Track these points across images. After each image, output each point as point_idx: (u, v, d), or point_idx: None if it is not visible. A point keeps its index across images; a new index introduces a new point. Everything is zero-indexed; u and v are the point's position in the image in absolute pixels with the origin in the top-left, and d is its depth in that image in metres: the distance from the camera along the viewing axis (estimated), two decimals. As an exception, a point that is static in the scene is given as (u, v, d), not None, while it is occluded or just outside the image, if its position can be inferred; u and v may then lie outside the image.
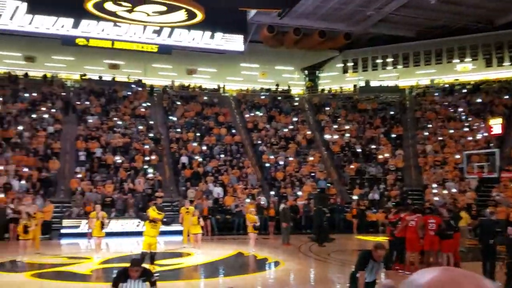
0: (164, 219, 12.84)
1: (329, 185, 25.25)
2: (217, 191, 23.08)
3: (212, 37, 27.99)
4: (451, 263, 11.77)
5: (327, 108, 32.71)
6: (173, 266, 13.24)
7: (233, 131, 29.12)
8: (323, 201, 20.05)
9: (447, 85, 33.53)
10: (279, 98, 34.34)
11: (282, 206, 19.42)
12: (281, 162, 26.51)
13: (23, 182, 21.01)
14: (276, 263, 13.82)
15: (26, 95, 28.03)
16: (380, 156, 27.87)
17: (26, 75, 30.83)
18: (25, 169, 21.90)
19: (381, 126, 30.66)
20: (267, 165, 26.40)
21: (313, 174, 25.98)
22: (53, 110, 27.26)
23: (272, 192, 23.95)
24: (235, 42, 28.67)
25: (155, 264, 11.91)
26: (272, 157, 26.77)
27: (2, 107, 26.33)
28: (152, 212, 12.23)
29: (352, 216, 22.64)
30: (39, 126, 25.52)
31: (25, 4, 24.65)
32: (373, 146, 28.92)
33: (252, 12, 27.50)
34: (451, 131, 28.39)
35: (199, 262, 14.06)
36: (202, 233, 15.87)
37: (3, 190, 19.91)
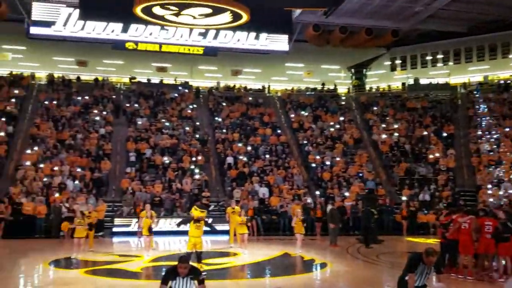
0: (207, 218, 12.98)
1: (377, 185, 24.69)
2: (263, 191, 23.09)
3: (257, 37, 28.07)
4: (508, 267, 11.22)
5: (375, 107, 32.07)
6: (220, 266, 13.32)
7: (278, 131, 29.08)
8: (372, 202, 19.65)
9: (502, 81, 32.11)
10: (325, 97, 33.96)
11: (329, 207, 19.15)
12: (328, 162, 26.20)
13: (76, 182, 21.84)
14: (323, 265, 13.64)
15: (79, 98, 29.15)
16: (431, 156, 27.02)
17: (78, 79, 32.10)
18: (79, 170, 22.78)
19: (431, 125, 29.74)
20: (313, 165, 26.16)
21: (360, 174, 25.51)
22: (104, 113, 28.22)
23: (318, 193, 23.69)
24: (280, 42, 28.63)
25: (203, 263, 12.03)
26: (318, 157, 26.51)
27: (57, 110, 27.51)
28: (195, 211, 12.36)
29: (401, 217, 22.02)
30: (92, 128, 26.48)
31: (77, 11, 25.62)
32: (423, 146, 28.07)
33: (297, 11, 27.34)
34: (507, 129, 27.12)
35: (246, 262, 14.09)
36: (248, 233, 15.91)
37: (58, 190, 20.77)
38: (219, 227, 19.56)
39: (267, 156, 26.38)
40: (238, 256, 14.85)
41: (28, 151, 23.78)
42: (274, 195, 22.90)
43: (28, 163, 22.68)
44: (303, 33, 29.58)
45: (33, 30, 26.12)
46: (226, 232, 18.98)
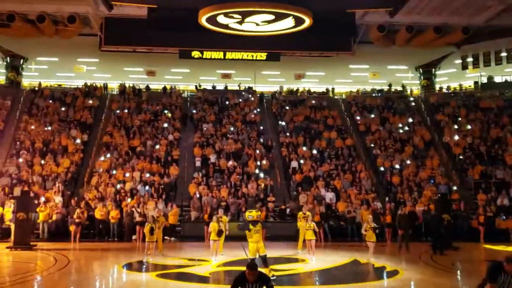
0: (266, 223, 12.80)
1: (451, 190, 23.46)
2: (329, 196, 22.67)
3: (319, 41, 27.73)
4: None
5: (446, 108, 30.60)
6: (288, 272, 13.17)
7: (344, 134, 28.50)
8: (445, 207, 18.69)
9: None
10: (393, 98, 32.92)
11: (398, 212, 18.45)
12: (397, 166, 25.28)
13: (147, 187, 22.60)
14: (395, 272, 13.10)
15: (149, 106, 30.25)
16: (508, 158, 25.28)
17: (148, 88, 33.32)
18: (149, 175, 23.57)
19: (509, 125, 27.89)
20: (382, 169, 25.36)
21: (432, 178, 24.37)
22: (172, 120, 29.08)
23: (388, 197, 22.89)
24: (343, 44, 28.12)
25: (270, 268, 11.95)
26: (386, 160, 25.66)
27: (128, 118, 28.71)
28: (250, 213, 12.33)
29: (478, 223, 20.75)
30: (161, 135, 27.35)
31: (146, 23, 26.59)
32: (500, 147, 26.36)
33: (361, 12, 26.72)
34: None
35: (314, 269, 13.83)
36: (315, 239, 15.64)
37: (130, 195, 21.59)
38: (286, 232, 19.65)
39: (333, 160, 25.91)
40: (305, 263, 14.63)
41: (102, 158, 24.98)
42: (341, 200, 22.40)
43: (102, 169, 23.83)
44: (368, 34, 28.84)
45: (106, 43, 27.46)
46: (291, 238, 18.84)
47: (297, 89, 34.65)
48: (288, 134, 28.17)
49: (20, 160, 24.04)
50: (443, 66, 35.37)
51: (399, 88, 34.94)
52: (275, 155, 26.41)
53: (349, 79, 36.70)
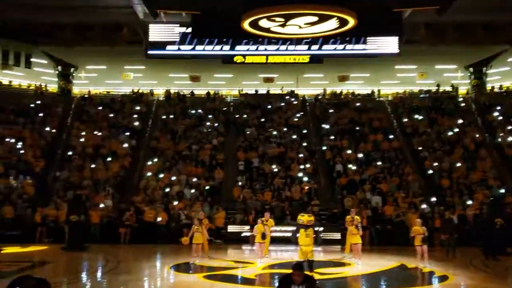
0: (317, 228, 12.70)
1: (505, 193, 22.44)
2: (376, 199, 22.22)
3: (364, 42, 27.29)
4: None
5: (499, 108, 29.36)
6: (333, 275, 13.01)
7: (390, 136, 27.90)
8: (498, 211, 17.88)
9: None
10: (441, 99, 31.92)
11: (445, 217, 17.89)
12: (446, 168, 24.46)
13: (193, 190, 22.96)
14: (444, 277, 12.65)
15: (193, 111, 30.79)
16: None
17: (192, 93, 33.91)
18: (194, 179, 23.95)
19: None
20: (430, 171, 24.61)
21: (484, 180, 23.41)
22: (216, 124, 29.45)
23: (436, 200, 22.18)
24: (389, 44, 27.47)
25: (315, 272, 11.85)
26: (435, 163, 24.88)
27: (174, 123, 29.33)
28: (302, 217, 12.25)
29: (534, 228, 19.69)
30: (205, 139, 27.75)
31: (189, 30, 27.10)
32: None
33: (407, 11, 26.09)
34: None
35: (360, 273, 13.59)
36: (361, 243, 15.37)
37: (177, 198, 22.00)
38: (330, 236, 19.46)
39: (379, 163, 25.40)
40: (351, 267, 14.41)
41: (149, 163, 25.62)
42: (388, 203, 21.91)
43: (149, 173, 24.43)
44: (414, 34, 28.13)
45: (151, 50, 28.15)
46: (337, 242, 18.63)
47: (341, 92, 34.26)
48: (332, 137, 27.87)
49: (72, 165, 24.99)
50: (495, 65, 33.94)
51: (448, 88, 33.84)
52: (319, 159, 26.14)
53: (395, 80, 35.91)
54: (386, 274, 13.53)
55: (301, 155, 25.95)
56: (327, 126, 29.02)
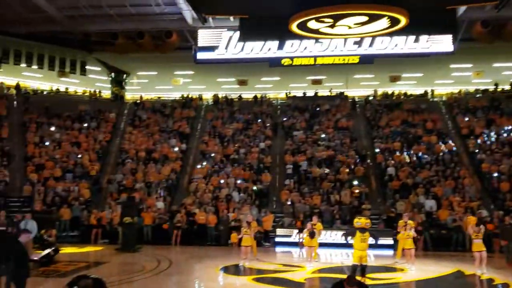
0: (373, 231, 12.35)
1: None
2: (430, 204, 21.42)
3: (416, 40, 26.41)
4: None
5: None
6: (386, 281, 12.65)
7: (445, 138, 26.87)
8: None
9: None
10: (500, 98, 30.43)
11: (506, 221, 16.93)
12: (505, 171, 23.25)
13: (241, 194, 23.05)
14: (505, 285, 11.98)
15: (241, 115, 30.96)
16: None
17: (240, 97, 34.13)
18: (242, 182, 24.04)
19: None
20: (488, 174, 23.47)
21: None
22: (263, 128, 29.46)
23: (494, 205, 21.11)
24: (442, 42, 26.46)
25: (366, 277, 11.54)
26: (493, 165, 23.71)
27: (222, 127, 29.62)
28: (359, 220, 11.96)
29: None
30: (252, 143, 27.82)
31: (237, 34, 27.31)
32: None
33: (462, 8, 25.07)
34: None
35: (414, 279, 13.14)
36: (414, 248, 14.84)
37: (225, 201, 22.15)
38: (382, 241, 18.91)
39: (433, 165, 24.49)
40: (405, 272, 13.94)
41: (199, 166, 26.00)
42: (443, 208, 21.06)
43: (199, 176, 24.76)
44: (470, 31, 26.98)
45: (200, 55, 28.53)
46: (389, 246, 18.10)
47: (393, 92, 33.40)
48: (383, 139, 27.18)
49: (126, 168, 25.74)
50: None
51: (507, 87, 32.20)
52: (370, 164, 25.50)
53: (449, 79, 34.59)
54: (442, 281, 13.02)
55: (350, 159, 25.47)
56: (378, 128, 28.33)
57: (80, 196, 22.98)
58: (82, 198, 22.99)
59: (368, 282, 11.43)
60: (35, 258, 9.75)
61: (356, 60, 27.30)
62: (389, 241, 18.90)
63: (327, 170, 24.59)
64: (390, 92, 33.50)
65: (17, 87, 31.77)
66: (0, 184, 22.82)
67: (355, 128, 29.05)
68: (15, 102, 30.63)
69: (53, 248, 14.46)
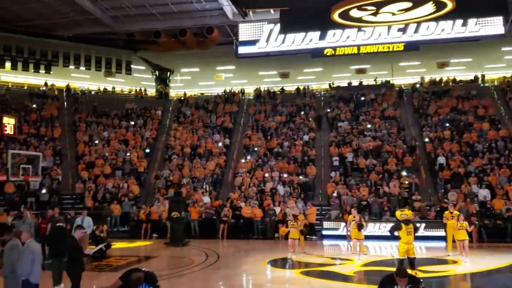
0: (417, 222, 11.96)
1: None
2: (483, 193, 20.53)
3: (464, 24, 25.28)
4: None
5: None
6: (438, 274, 12.23)
7: (498, 124, 25.68)
8: None
9: None
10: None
11: None
12: None
13: (286, 187, 22.94)
14: None
15: (283, 108, 30.79)
16: None
17: (282, 90, 33.94)
18: (287, 175, 23.92)
19: None
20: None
21: None
22: (307, 120, 29.17)
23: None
24: (493, 25, 25.19)
25: (417, 269, 11.21)
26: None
27: (265, 121, 29.57)
28: (405, 212, 11.61)
29: None
30: (296, 135, 27.62)
31: (278, 26, 27.12)
32: None
33: (513, -13, 23.81)
34: None
35: (469, 271, 12.64)
36: (468, 239, 14.26)
37: (270, 195, 22.11)
38: (433, 232, 18.36)
39: (486, 153, 23.47)
40: (458, 264, 13.43)
41: (243, 160, 26.09)
42: (498, 197, 20.14)
43: (243, 170, 24.86)
44: (523, 10, 25.55)
45: (241, 50, 28.53)
46: (441, 238, 17.51)
47: (441, 79, 32.25)
48: (432, 128, 26.30)
49: (172, 164, 26.20)
50: None
51: None
52: (420, 155, 24.70)
53: (502, 63, 32.97)
54: (498, 273, 12.43)
55: (398, 149, 24.82)
56: (427, 117, 27.43)
57: (129, 192, 23.62)
58: (132, 194, 23.61)
59: (420, 275, 11.11)
60: (89, 253, 10.05)
61: (401, 47, 26.49)
62: (441, 232, 18.27)
63: (374, 161, 24.09)
64: (438, 79, 32.34)
65: (67, 88, 32.96)
66: (54, 182, 23.74)
67: (402, 117, 28.27)
68: (65, 103, 31.79)
69: (105, 243, 14.91)
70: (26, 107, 29.45)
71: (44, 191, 22.65)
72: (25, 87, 33.21)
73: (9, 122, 17.35)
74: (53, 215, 15.39)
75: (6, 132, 17.11)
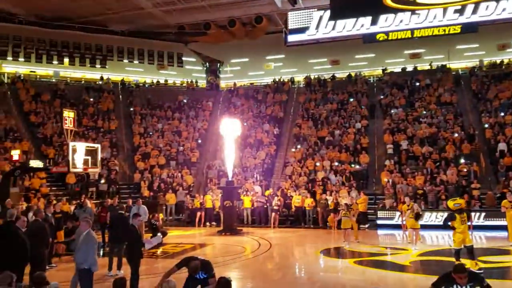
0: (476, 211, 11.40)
1: None
2: (548, 181, 19.39)
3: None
4: None
5: None
6: (499, 264, 11.69)
7: None
8: None
9: None
10: None
11: None
12: None
13: (338, 176, 22.65)
14: None
15: (334, 96, 30.32)
16: None
17: (333, 77, 33.41)
18: (339, 164, 23.60)
19: None
20: None
21: None
22: (359, 108, 28.58)
23: None
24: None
25: (478, 260, 10.78)
26: None
27: (315, 109, 29.25)
28: (457, 201, 11.17)
29: None
30: (348, 123, 27.14)
31: (328, 13, 26.67)
32: None
33: None
34: None
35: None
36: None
37: (322, 184, 21.91)
38: (494, 222, 17.62)
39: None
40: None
41: (293, 150, 25.99)
42: None
43: (293, 160, 24.76)
44: None
45: (290, 38, 28.35)
46: (503, 228, 16.71)
47: (501, 61, 30.55)
48: (492, 113, 25.04)
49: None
50: None
51: None
52: (479, 143, 23.58)
53: None
54: None
55: (456, 135, 23.85)
56: (486, 101, 26.15)
57: (183, 182, 24.16)
58: (185, 183, 24.14)
59: (480, 265, 10.70)
60: (149, 246, 10.26)
61: (457, 29, 25.38)
62: (503, 221, 17.44)
63: (430, 149, 23.29)
64: (498, 62, 30.69)
65: (122, 82, 34.05)
66: (112, 172, 24.67)
67: (460, 103, 27.08)
68: (120, 96, 32.87)
69: (160, 232, 15.34)
70: (83, 101, 30.68)
71: (102, 181, 23.60)
72: (82, 82, 34.55)
73: (69, 116, 18.06)
74: (112, 204, 16.02)
75: (66, 125, 17.85)
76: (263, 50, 33.85)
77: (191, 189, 24.15)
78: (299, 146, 26.14)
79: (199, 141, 28.70)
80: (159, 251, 14.23)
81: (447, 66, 31.07)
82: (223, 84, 37.29)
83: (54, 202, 15.27)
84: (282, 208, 20.56)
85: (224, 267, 11.73)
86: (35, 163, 18.66)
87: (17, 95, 29.07)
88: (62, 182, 23.39)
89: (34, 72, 33.10)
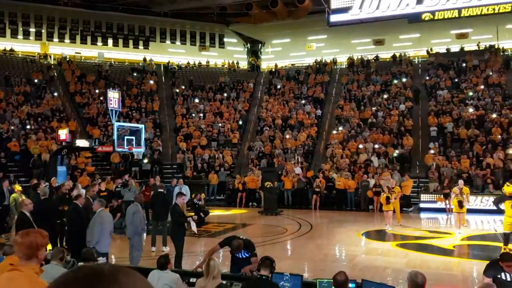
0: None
1: None
2: None
3: None
4: None
5: None
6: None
7: None
8: None
9: None
10: None
11: None
12: None
13: (381, 158, 22.37)
14: None
15: (378, 77, 29.74)
16: None
17: (376, 58, 32.72)
18: (381, 146, 23.28)
19: None
20: None
21: None
22: (403, 89, 27.93)
23: None
24: None
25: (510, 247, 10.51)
26: None
27: (358, 91, 28.82)
28: (507, 187, 10.81)
29: None
30: (392, 105, 26.63)
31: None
32: None
33: None
34: None
35: None
36: None
37: (364, 166, 21.72)
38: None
39: None
40: None
41: (334, 131, 25.80)
42: None
43: (335, 141, 24.61)
44: None
45: (333, 18, 27.79)
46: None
47: (556, 41, 29.09)
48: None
49: (264, 135, 26.67)
50: None
51: None
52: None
53: None
54: None
55: (504, 118, 23.00)
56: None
57: (224, 163, 24.52)
58: (227, 164, 24.49)
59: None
60: (193, 230, 10.47)
61: (508, 8, 24.17)
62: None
63: (476, 131, 22.60)
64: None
65: (167, 64, 34.58)
66: (155, 152, 25.31)
67: (509, 84, 26.02)
68: (163, 78, 33.44)
69: (202, 212, 15.72)
70: (127, 82, 31.41)
71: (146, 161, 24.26)
72: (126, 63, 35.33)
73: (114, 97, 18.61)
74: (155, 183, 16.50)
75: (111, 106, 18.42)
76: (305, 30, 33.49)
77: (231, 170, 24.50)
78: (340, 128, 25.93)
79: (240, 122, 28.94)
80: (201, 229, 14.60)
81: (496, 46, 29.80)
82: (264, 65, 37.26)
83: (99, 181, 15.91)
84: (323, 190, 20.57)
85: (265, 247, 11.94)
86: (82, 143, 19.34)
87: (63, 76, 30.10)
88: (107, 161, 24.21)
89: (79, 53, 34.11)
